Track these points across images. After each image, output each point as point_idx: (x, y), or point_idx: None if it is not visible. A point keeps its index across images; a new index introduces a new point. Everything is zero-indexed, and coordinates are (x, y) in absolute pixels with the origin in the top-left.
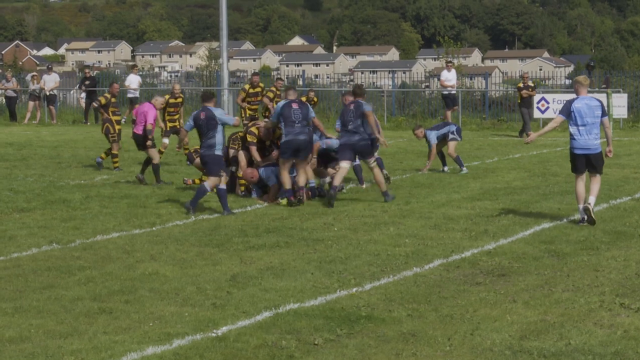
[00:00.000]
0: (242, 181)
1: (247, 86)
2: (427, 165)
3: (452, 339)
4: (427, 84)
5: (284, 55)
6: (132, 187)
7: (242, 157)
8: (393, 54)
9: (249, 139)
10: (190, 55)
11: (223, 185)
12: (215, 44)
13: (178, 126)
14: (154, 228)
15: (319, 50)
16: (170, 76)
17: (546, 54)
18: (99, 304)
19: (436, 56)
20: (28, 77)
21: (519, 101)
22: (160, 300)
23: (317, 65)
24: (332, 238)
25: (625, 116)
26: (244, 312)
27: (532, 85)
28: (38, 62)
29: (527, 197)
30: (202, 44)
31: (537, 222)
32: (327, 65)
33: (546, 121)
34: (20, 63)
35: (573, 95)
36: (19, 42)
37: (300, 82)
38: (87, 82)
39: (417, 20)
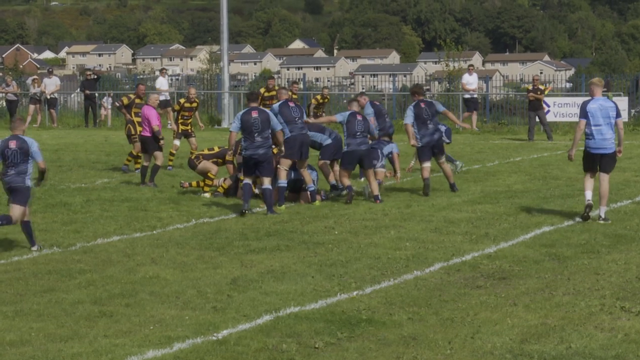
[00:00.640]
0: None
1: (262, 90)
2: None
3: (452, 343)
4: (427, 87)
5: (284, 58)
6: (133, 190)
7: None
8: (394, 58)
9: None
10: (191, 59)
11: (268, 185)
12: (216, 47)
13: (190, 130)
14: (154, 231)
15: (320, 53)
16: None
17: (547, 57)
18: (100, 307)
19: (437, 59)
20: (29, 81)
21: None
22: (161, 304)
23: (317, 68)
24: (333, 241)
25: (626, 119)
26: (245, 315)
27: (542, 88)
28: (39, 66)
29: (527, 200)
30: (203, 48)
31: (538, 226)
32: (328, 69)
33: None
34: (21, 66)
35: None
36: (20, 46)
37: (301, 86)
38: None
39: (418, 23)
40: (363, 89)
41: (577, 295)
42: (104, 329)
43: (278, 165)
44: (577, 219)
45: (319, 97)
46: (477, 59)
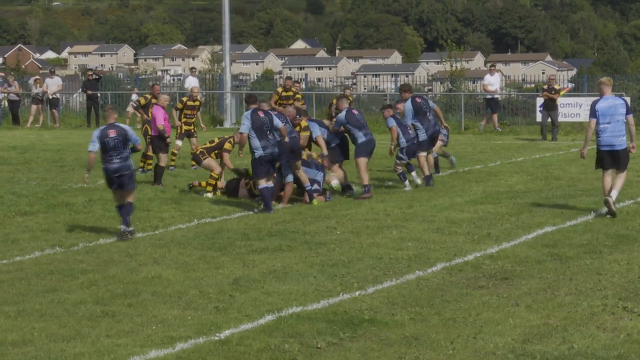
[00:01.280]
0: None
1: (280, 89)
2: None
3: (454, 343)
4: (429, 87)
5: (286, 58)
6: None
7: None
8: (396, 58)
9: None
10: (193, 59)
11: (271, 184)
12: (218, 47)
13: (192, 130)
14: (156, 231)
15: (322, 53)
16: (173, 79)
17: (549, 58)
18: (102, 307)
19: (439, 60)
20: (31, 81)
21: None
22: (163, 304)
23: (319, 68)
24: (335, 241)
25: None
26: (247, 315)
27: (557, 88)
28: (41, 66)
29: (529, 200)
30: (205, 48)
31: (540, 226)
32: (330, 69)
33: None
34: (23, 67)
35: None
36: (22, 46)
37: (303, 86)
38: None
39: (420, 23)
40: (365, 89)
41: (580, 295)
42: (107, 329)
43: None
44: (606, 214)
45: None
46: (479, 59)
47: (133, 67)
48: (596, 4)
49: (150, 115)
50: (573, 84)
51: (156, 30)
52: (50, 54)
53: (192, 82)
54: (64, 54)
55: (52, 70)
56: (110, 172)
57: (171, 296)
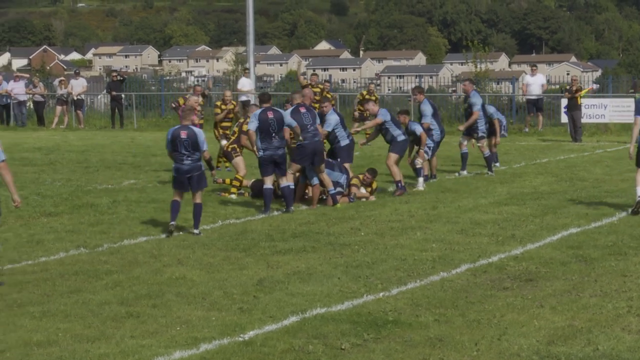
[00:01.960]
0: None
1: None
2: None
3: (479, 344)
4: (453, 88)
5: (310, 60)
6: (159, 191)
7: None
8: (420, 59)
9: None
10: (217, 60)
11: (270, 185)
12: (242, 48)
13: (228, 133)
14: (180, 232)
15: (346, 54)
16: (197, 81)
17: (573, 59)
18: (126, 308)
19: (463, 61)
20: (56, 82)
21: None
22: (187, 305)
23: (343, 69)
24: (359, 243)
25: None
26: (271, 316)
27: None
28: (65, 67)
29: (554, 202)
30: (229, 49)
31: (565, 227)
32: (354, 70)
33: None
34: (48, 68)
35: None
36: (47, 47)
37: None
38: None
39: (444, 24)
40: (389, 90)
41: (604, 297)
42: (131, 329)
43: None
44: (628, 212)
45: (364, 92)
46: (503, 60)
47: (157, 68)
48: (621, 5)
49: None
50: (598, 85)
51: (180, 31)
52: (75, 55)
53: (245, 84)
54: (89, 55)
55: (77, 71)
56: (182, 173)
57: (195, 297)
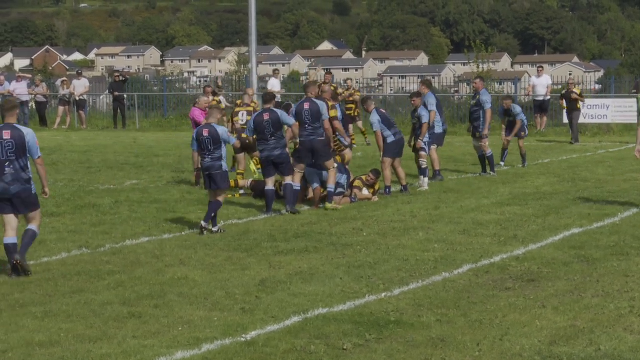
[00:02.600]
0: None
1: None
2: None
3: (481, 345)
4: (456, 89)
5: (313, 60)
6: (161, 192)
7: None
8: (422, 59)
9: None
10: (220, 61)
11: (271, 186)
12: (245, 49)
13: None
14: (183, 233)
15: (348, 55)
16: (200, 81)
17: (576, 59)
18: (129, 308)
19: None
20: (58, 83)
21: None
22: (190, 305)
23: (346, 70)
24: (361, 243)
25: None
26: (273, 317)
27: (577, 92)
28: (68, 68)
29: (556, 202)
30: (232, 49)
31: (567, 228)
32: (356, 70)
33: (578, 126)
34: (51, 68)
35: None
36: (49, 48)
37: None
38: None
39: (447, 25)
40: (391, 90)
41: (607, 297)
42: (133, 330)
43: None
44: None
45: (345, 91)
46: (505, 61)
47: (160, 68)
48: (624, 5)
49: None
50: (600, 86)
51: (183, 32)
52: (77, 56)
53: (275, 84)
54: (91, 56)
55: (80, 71)
56: (203, 170)
57: (197, 297)
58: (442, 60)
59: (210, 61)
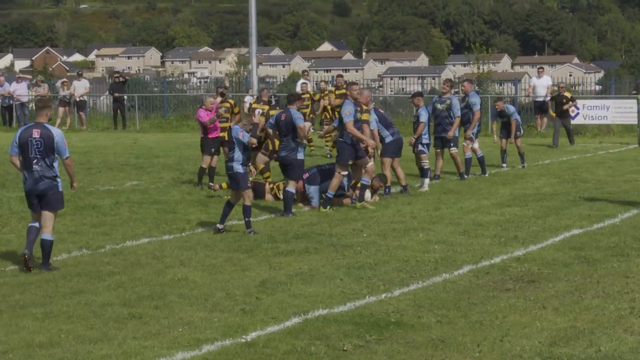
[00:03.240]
0: (271, 186)
1: (333, 88)
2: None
3: (481, 345)
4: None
5: (313, 61)
6: (161, 193)
7: None
8: (422, 60)
9: None
10: (220, 61)
11: (290, 189)
12: (245, 50)
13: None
14: (183, 234)
15: (348, 56)
16: (200, 82)
17: (576, 60)
18: (129, 309)
19: (466, 62)
20: (58, 83)
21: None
22: (190, 306)
23: (346, 71)
24: (361, 244)
25: None
26: (273, 317)
27: (569, 96)
28: (68, 68)
29: (556, 203)
30: (232, 50)
31: (567, 229)
32: (357, 71)
33: (577, 127)
34: (51, 69)
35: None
36: (49, 49)
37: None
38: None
39: (447, 26)
40: (391, 91)
41: (607, 298)
42: (133, 331)
43: None
44: None
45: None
46: (505, 62)
47: (160, 69)
48: (624, 6)
49: (234, 118)
50: (600, 87)
51: (183, 32)
52: (77, 57)
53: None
54: (91, 57)
55: (80, 72)
56: (226, 171)
57: (198, 298)
58: (442, 61)
59: (210, 62)
